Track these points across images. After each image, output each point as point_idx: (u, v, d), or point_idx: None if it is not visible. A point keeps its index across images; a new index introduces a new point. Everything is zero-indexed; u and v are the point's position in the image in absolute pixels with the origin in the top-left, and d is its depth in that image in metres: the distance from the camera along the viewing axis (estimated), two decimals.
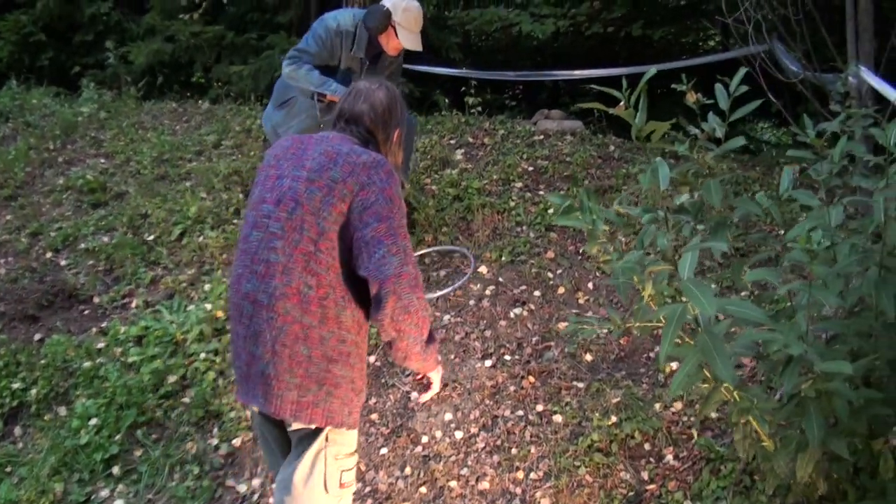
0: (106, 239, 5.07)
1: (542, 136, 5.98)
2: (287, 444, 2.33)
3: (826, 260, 2.60)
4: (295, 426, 2.22)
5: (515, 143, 5.84)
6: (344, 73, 4.15)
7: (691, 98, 3.02)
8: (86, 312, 4.54)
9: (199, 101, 7.21)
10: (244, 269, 2.18)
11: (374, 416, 3.78)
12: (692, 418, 3.68)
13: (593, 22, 6.81)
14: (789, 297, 2.70)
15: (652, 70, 2.23)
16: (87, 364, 4.06)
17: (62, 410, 3.89)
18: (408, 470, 3.49)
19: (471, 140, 5.95)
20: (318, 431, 2.22)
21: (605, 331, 3.08)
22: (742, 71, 2.91)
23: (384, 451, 3.60)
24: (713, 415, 3.68)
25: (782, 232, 3.85)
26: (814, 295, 2.28)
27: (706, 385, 2.74)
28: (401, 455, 3.58)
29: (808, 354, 2.28)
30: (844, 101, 3.36)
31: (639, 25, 6.62)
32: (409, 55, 4.67)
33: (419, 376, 2.57)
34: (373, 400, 3.88)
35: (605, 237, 2.75)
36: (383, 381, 3.97)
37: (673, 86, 2.97)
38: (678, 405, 3.74)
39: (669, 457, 3.49)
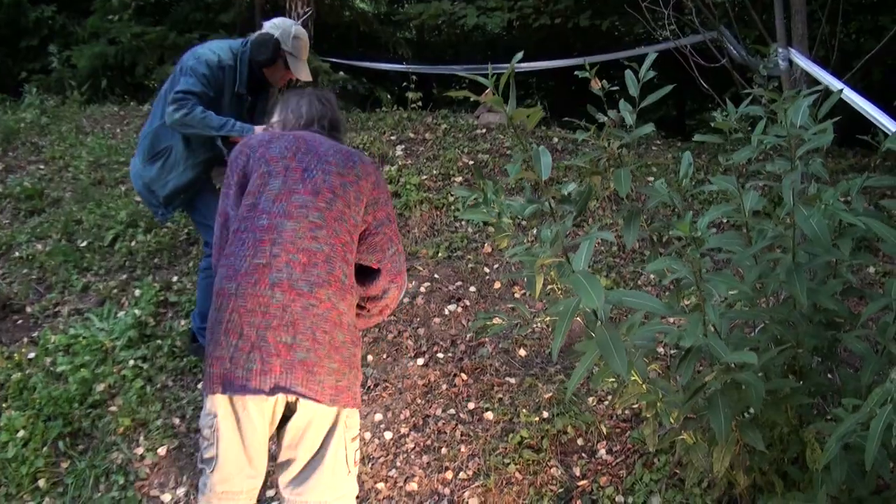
0: (40, 246, 4.91)
1: (484, 130, 5.88)
2: (263, 443, 2.28)
3: (739, 246, 2.53)
4: (305, 420, 2.22)
5: (457, 138, 5.74)
6: (229, 106, 3.61)
7: (595, 86, 2.94)
8: (19, 322, 4.38)
9: (141, 105, 7.06)
10: (271, 258, 2.16)
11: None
12: (626, 411, 3.60)
13: (540, 14, 6.70)
14: (697, 285, 2.60)
15: (518, 55, 2.11)
16: (16, 375, 3.90)
17: None
18: (393, 472, 3.38)
19: (412, 135, 5.84)
20: (336, 422, 2.26)
21: (518, 325, 3.00)
22: (652, 56, 2.82)
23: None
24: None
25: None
26: (704, 284, 2.19)
27: (611, 379, 2.67)
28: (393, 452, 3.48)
29: (709, 346, 2.19)
30: (769, 83, 3.28)
31: (586, 16, 6.51)
32: (354, 50, 4.47)
33: None
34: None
35: (511, 230, 2.66)
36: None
37: (576, 73, 2.88)
38: (612, 398, 3.65)
39: (602, 451, 3.42)
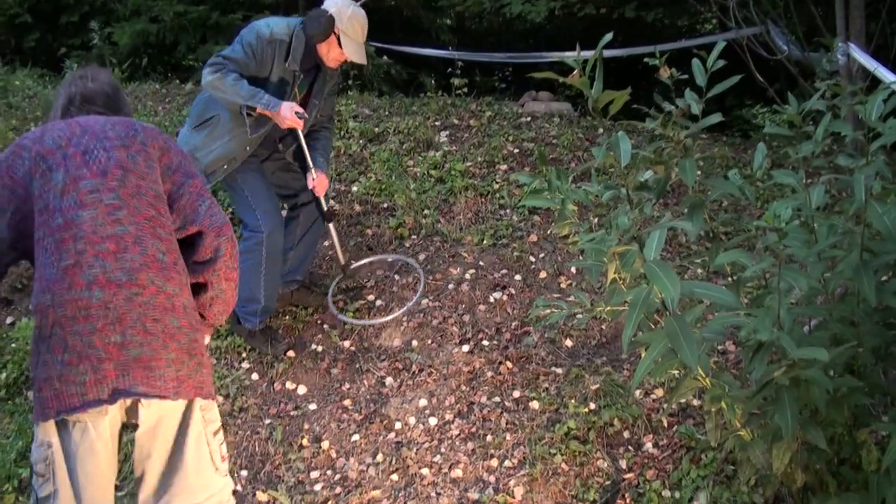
0: None
1: (529, 118, 5.85)
2: (107, 470, 2.09)
3: (803, 241, 2.49)
4: (151, 422, 2.06)
5: (502, 125, 5.71)
6: (276, 87, 3.58)
7: (664, 73, 2.91)
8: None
9: (183, 83, 7.07)
10: (78, 255, 1.98)
11: (346, 402, 3.69)
12: (673, 406, 3.58)
13: (586, 3, 6.65)
14: (764, 280, 2.59)
15: (607, 36, 2.10)
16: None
17: (31, 395, 3.80)
18: (379, 457, 3.40)
19: (456, 122, 5.82)
20: (189, 418, 2.11)
21: (577, 315, 2.98)
22: (721, 45, 2.79)
23: (356, 437, 3.51)
24: (695, 402, 3.59)
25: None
26: (784, 278, 2.17)
27: (675, 372, 2.65)
28: (373, 442, 3.49)
29: (781, 341, 2.17)
30: (831, 79, 3.24)
31: (632, 7, 6.47)
32: (397, 35, 4.40)
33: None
34: (346, 386, 3.78)
35: (574, 218, 2.65)
36: (357, 366, 3.88)
37: (646, 59, 2.86)
38: (659, 392, 3.65)
39: (648, 445, 3.41)
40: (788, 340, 2.15)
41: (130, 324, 1.98)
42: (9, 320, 4.28)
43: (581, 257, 4.43)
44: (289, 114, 3.50)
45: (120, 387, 1.96)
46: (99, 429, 2.02)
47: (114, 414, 2.04)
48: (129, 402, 2.03)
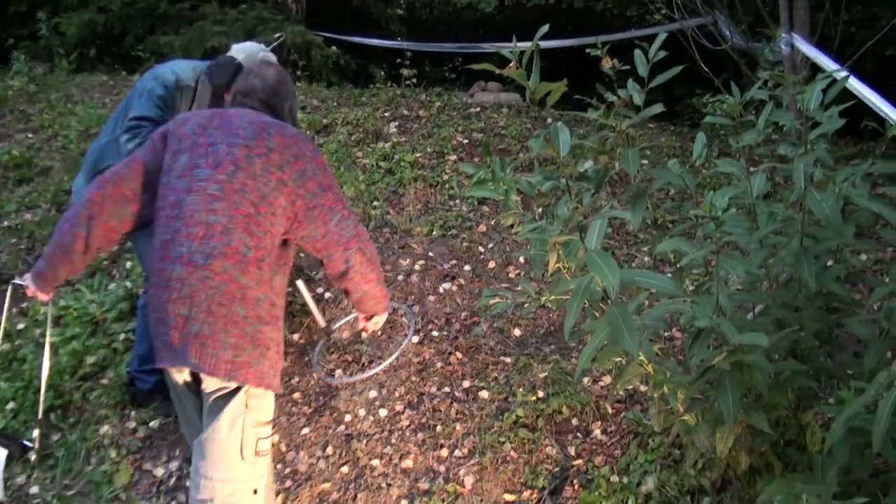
0: (29, 216, 4.78)
1: (478, 109, 5.80)
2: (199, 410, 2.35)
3: (745, 229, 2.48)
4: (212, 389, 2.21)
5: (451, 116, 5.65)
6: None
7: (606, 64, 2.87)
8: (6, 292, 4.27)
9: (131, 74, 6.89)
10: (174, 233, 2.16)
11: (296, 395, 3.61)
12: (621, 392, 3.56)
13: None
14: (706, 267, 2.58)
15: (543, 28, 2.05)
16: (5, 346, 3.81)
17: None
18: (329, 449, 3.33)
19: (405, 112, 5.74)
20: (234, 396, 2.20)
21: (524, 304, 2.94)
22: (662, 35, 2.77)
23: (305, 430, 3.43)
24: (642, 388, 3.58)
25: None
26: (723, 265, 2.15)
27: (618, 359, 2.63)
28: (323, 434, 3.42)
29: (721, 327, 2.16)
30: (773, 68, 3.23)
31: None
32: (346, 25, 4.27)
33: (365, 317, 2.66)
34: (295, 379, 3.70)
35: (518, 208, 2.61)
36: (307, 359, 3.80)
37: (588, 50, 2.82)
38: (606, 379, 3.64)
39: (597, 431, 3.40)
40: (729, 326, 2.13)
41: (198, 302, 2.11)
42: None
43: (528, 248, 4.41)
44: None
45: (179, 356, 2.14)
46: (178, 380, 2.30)
47: (183, 372, 2.27)
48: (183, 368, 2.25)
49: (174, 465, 3.35)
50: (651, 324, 2.42)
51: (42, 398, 3.04)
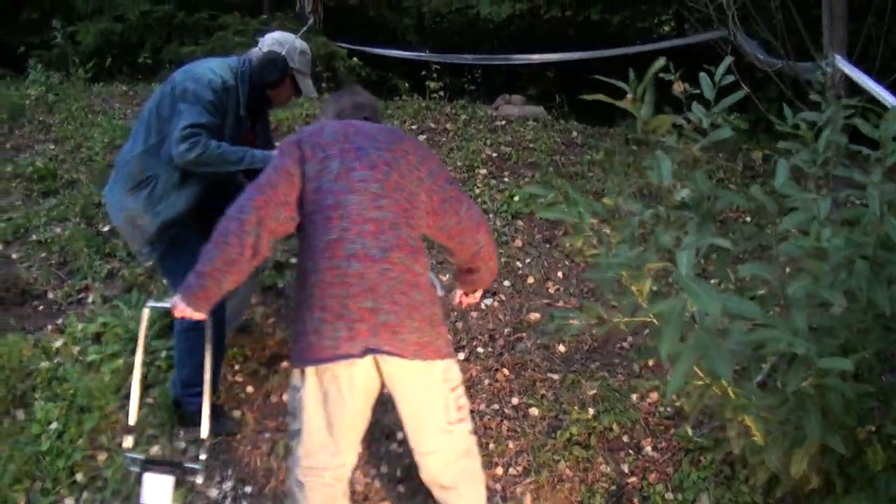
0: (59, 230, 4.71)
1: (504, 122, 5.81)
2: (352, 419, 2.41)
3: (817, 251, 2.50)
4: (397, 375, 2.34)
5: (478, 129, 5.65)
6: (231, 131, 3.22)
7: (678, 88, 2.89)
8: (40, 308, 4.21)
9: (151, 84, 6.81)
10: (342, 231, 2.26)
11: None
12: (668, 409, 3.58)
13: (552, 5, 6.61)
14: (782, 291, 2.58)
15: (660, 61, 2.03)
16: (44, 364, 3.74)
17: (20, 414, 3.58)
18: (385, 468, 3.31)
19: (432, 125, 5.73)
20: (425, 374, 2.36)
21: (591, 325, 2.93)
22: (727, 60, 2.78)
23: (359, 449, 3.40)
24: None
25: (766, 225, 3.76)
26: (813, 291, 2.17)
27: (700, 382, 2.63)
28: (376, 453, 3.40)
29: (810, 352, 2.18)
30: (824, 91, 3.24)
31: (597, 9, 6.45)
32: (363, 36, 4.19)
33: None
34: None
35: (592, 230, 2.62)
36: None
37: (661, 75, 2.84)
38: (654, 396, 3.65)
39: (648, 448, 3.40)
40: (814, 351, 2.16)
41: (381, 294, 2.23)
42: None
43: (567, 263, 4.42)
44: None
45: (370, 345, 2.23)
46: (347, 378, 2.29)
47: (364, 368, 2.29)
48: (384, 360, 2.29)
49: (228, 485, 3.31)
50: (736, 348, 2.42)
51: (206, 419, 2.87)
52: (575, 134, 5.62)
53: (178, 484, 2.69)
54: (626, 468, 3.32)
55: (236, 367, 3.81)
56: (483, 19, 7.31)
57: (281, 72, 3.25)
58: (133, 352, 3.79)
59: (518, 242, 4.53)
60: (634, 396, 3.64)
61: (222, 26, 6.71)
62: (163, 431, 3.51)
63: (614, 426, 3.45)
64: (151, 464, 2.62)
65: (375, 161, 2.38)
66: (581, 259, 2.79)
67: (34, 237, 4.69)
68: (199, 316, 2.46)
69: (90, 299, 4.22)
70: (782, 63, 4.40)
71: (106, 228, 4.70)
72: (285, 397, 3.66)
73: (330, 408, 2.35)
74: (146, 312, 2.76)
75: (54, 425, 3.47)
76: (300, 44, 3.35)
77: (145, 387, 3.71)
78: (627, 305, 2.77)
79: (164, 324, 3.93)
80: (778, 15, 4.19)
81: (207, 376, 2.81)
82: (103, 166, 5.28)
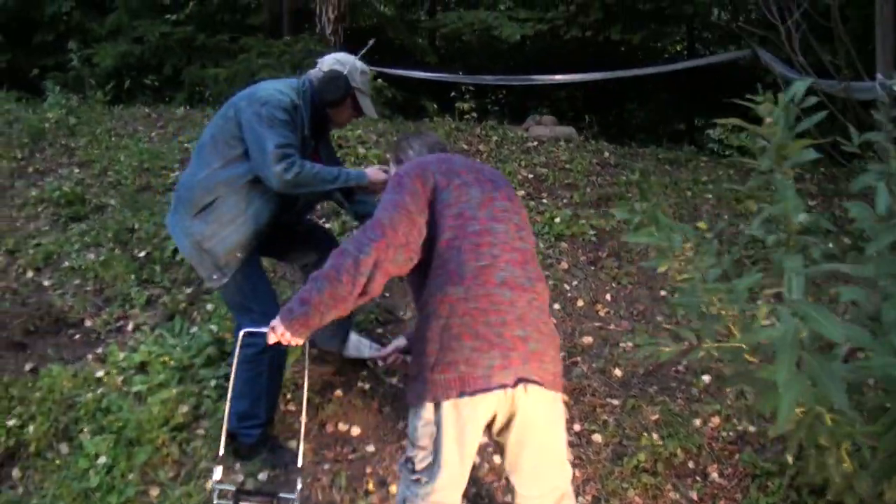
0: (92, 256, 4.59)
1: (536, 143, 5.76)
2: (475, 450, 2.33)
3: None
4: (531, 407, 2.25)
5: (511, 150, 5.59)
6: (300, 151, 3.16)
7: (767, 109, 2.85)
8: (76, 337, 4.09)
9: (175, 108, 6.70)
10: (493, 258, 2.24)
11: (405, 443, 3.47)
12: (731, 433, 3.52)
13: (571, 25, 6.59)
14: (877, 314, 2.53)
15: (799, 85, 1.99)
16: (88, 395, 3.63)
17: (64, 448, 3.46)
18: None
19: (465, 147, 5.67)
20: (555, 406, 2.33)
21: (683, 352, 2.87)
22: (807, 81, 2.74)
23: None
24: (751, 428, 3.54)
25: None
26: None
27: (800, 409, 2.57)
28: None
29: None
30: (890, 109, 3.22)
31: (617, 29, 6.44)
32: (382, 57, 4.06)
33: None
34: (401, 424, 3.58)
35: (685, 255, 2.58)
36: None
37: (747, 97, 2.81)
38: (716, 420, 3.59)
39: (714, 474, 3.34)
40: None
41: (529, 322, 2.22)
42: (28, 366, 3.91)
43: (615, 285, 4.36)
44: (378, 175, 3.19)
45: (521, 375, 2.18)
46: (486, 410, 2.22)
47: (506, 399, 2.21)
48: (526, 388, 2.21)
49: None
50: (848, 376, 2.36)
51: (301, 447, 2.75)
52: (607, 154, 5.59)
53: None
54: (694, 495, 3.26)
55: (288, 396, 3.71)
56: (499, 40, 7.26)
57: (343, 91, 3.20)
58: (181, 381, 3.72)
59: (564, 265, 4.46)
60: (697, 421, 3.59)
61: (244, 48, 6.63)
62: (217, 464, 3.39)
63: (679, 452, 3.39)
64: (245, 494, 2.54)
65: (510, 194, 2.43)
66: (671, 283, 2.72)
67: (66, 263, 4.57)
68: (296, 342, 2.37)
69: (130, 327, 4.11)
70: (838, 84, 4.37)
71: (142, 254, 4.59)
72: (342, 426, 3.58)
73: (466, 441, 2.24)
74: (241, 336, 2.70)
75: (103, 459, 3.36)
76: (360, 64, 3.31)
77: (196, 418, 3.60)
78: (709, 331, 2.73)
79: (211, 353, 3.82)
80: (837, 31, 4.14)
81: (305, 402, 2.85)
82: (133, 190, 5.18)
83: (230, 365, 3.23)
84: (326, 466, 3.38)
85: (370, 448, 3.49)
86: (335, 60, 3.28)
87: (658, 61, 6.63)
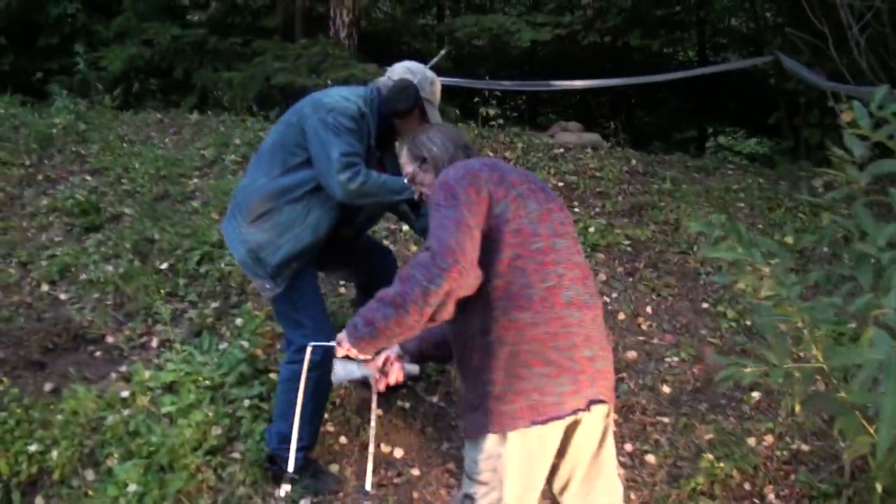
0: (110, 268, 4.39)
1: (562, 150, 5.61)
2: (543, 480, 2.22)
3: None
4: (590, 428, 2.18)
5: (539, 157, 5.44)
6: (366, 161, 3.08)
7: (847, 117, 2.73)
8: (97, 354, 3.88)
9: (188, 113, 6.48)
10: (559, 277, 2.11)
11: (450, 465, 3.34)
12: (785, 452, 3.39)
13: (589, 30, 6.45)
14: None
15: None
16: (113, 418, 3.42)
17: (90, 474, 3.25)
18: None
19: (490, 154, 5.49)
20: (607, 422, 2.24)
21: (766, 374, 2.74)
22: (884, 88, 2.62)
23: None
24: (804, 447, 3.42)
25: None
26: None
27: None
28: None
29: None
30: None
31: (636, 35, 6.30)
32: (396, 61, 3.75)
33: None
34: (444, 445, 3.43)
35: (773, 271, 2.46)
36: (452, 423, 3.52)
37: (832, 104, 2.69)
38: (769, 438, 3.47)
39: (771, 496, 3.24)
40: None
41: (595, 341, 2.13)
42: (48, 386, 3.70)
43: (655, 297, 4.22)
44: None
45: (590, 396, 2.10)
46: (555, 437, 2.11)
47: (577, 422, 2.13)
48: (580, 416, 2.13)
49: None
50: None
51: (370, 469, 2.62)
52: (635, 162, 5.45)
53: None
54: None
55: (325, 416, 3.52)
56: (512, 46, 7.09)
57: (413, 101, 3.05)
58: (213, 401, 3.52)
59: (602, 276, 4.32)
60: (751, 440, 3.45)
61: (257, 52, 6.43)
62: (256, 490, 3.21)
63: (735, 473, 3.26)
64: None
65: (562, 204, 2.28)
66: (749, 298, 2.57)
67: (84, 276, 4.36)
68: (364, 357, 2.25)
69: (154, 343, 3.92)
70: (843, 86, 4.23)
71: (164, 266, 4.39)
72: (384, 448, 3.41)
73: (533, 471, 2.11)
74: (308, 350, 2.62)
75: (133, 487, 3.16)
76: (430, 74, 3.14)
77: (229, 440, 3.41)
78: (785, 350, 2.62)
79: (244, 371, 3.64)
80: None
81: (373, 420, 2.68)
82: (151, 199, 4.97)
83: (291, 380, 3.06)
84: (372, 492, 3.21)
85: (415, 472, 3.33)
86: (405, 69, 3.12)
87: (670, 67, 6.51)
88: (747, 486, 3.27)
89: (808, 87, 5.79)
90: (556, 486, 2.25)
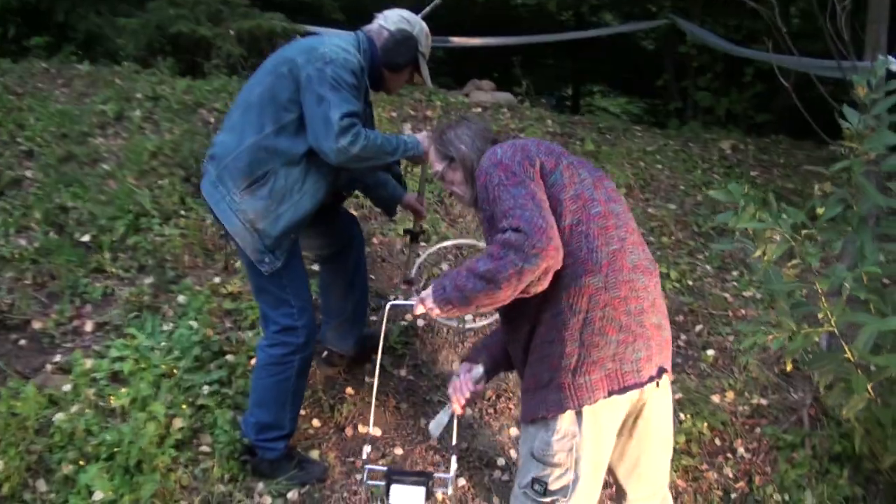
0: (23, 242, 3.70)
1: (479, 109, 5.35)
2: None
3: None
4: (666, 395, 2.13)
5: (458, 116, 5.18)
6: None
7: (862, 92, 2.72)
8: (23, 343, 3.28)
9: (78, 63, 5.62)
10: (621, 241, 2.00)
11: (433, 441, 3.14)
12: (745, 407, 3.49)
13: None
14: None
15: None
16: (59, 416, 2.91)
17: (42, 485, 2.73)
18: (496, 500, 2.94)
19: (412, 112, 5.15)
20: (670, 394, 2.17)
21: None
22: (889, 59, 2.64)
23: (462, 481, 3.02)
24: (763, 402, 3.52)
25: None
26: None
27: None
28: (481, 483, 3.01)
29: None
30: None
31: None
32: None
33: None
34: (423, 421, 3.23)
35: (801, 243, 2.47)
36: (426, 397, 3.32)
37: (850, 77, 2.67)
38: (730, 395, 3.56)
39: (741, 450, 3.37)
40: None
41: (659, 307, 2.05)
42: None
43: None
44: (427, 141, 2.73)
45: (660, 364, 2.01)
46: (624, 409, 2.01)
47: (645, 393, 2.01)
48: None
49: None
50: None
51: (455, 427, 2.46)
52: (551, 122, 5.29)
53: (429, 495, 2.23)
54: (729, 472, 3.23)
55: None
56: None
57: (412, 54, 2.74)
58: (168, 390, 3.08)
59: None
60: (715, 397, 3.50)
61: None
62: (236, 486, 2.86)
63: (705, 429, 3.32)
64: (398, 474, 2.30)
65: (606, 174, 2.21)
66: (765, 265, 2.52)
67: None
68: (439, 315, 2.05)
69: (88, 327, 3.36)
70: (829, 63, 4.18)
71: (85, 238, 3.75)
72: (361, 429, 3.15)
73: (603, 448, 2.01)
74: (386, 309, 2.54)
75: (100, 495, 2.70)
76: (426, 26, 2.80)
77: (193, 431, 3.01)
78: (799, 316, 2.64)
79: (198, 354, 3.23)
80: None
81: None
82: (56, 160, 4.26)
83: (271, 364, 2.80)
84: (359, 477, 2.95)
85: (398, 451, 3.10)
86: (401, 18, 2.77)
87: (549, 28, 6.39)
88: (718, 442, 3.34)
89: (701, 51, 5.90)
90: (618, 466, 2.16)
